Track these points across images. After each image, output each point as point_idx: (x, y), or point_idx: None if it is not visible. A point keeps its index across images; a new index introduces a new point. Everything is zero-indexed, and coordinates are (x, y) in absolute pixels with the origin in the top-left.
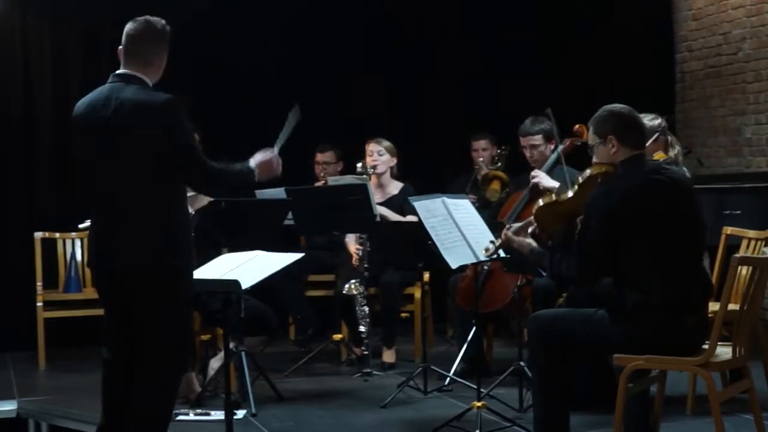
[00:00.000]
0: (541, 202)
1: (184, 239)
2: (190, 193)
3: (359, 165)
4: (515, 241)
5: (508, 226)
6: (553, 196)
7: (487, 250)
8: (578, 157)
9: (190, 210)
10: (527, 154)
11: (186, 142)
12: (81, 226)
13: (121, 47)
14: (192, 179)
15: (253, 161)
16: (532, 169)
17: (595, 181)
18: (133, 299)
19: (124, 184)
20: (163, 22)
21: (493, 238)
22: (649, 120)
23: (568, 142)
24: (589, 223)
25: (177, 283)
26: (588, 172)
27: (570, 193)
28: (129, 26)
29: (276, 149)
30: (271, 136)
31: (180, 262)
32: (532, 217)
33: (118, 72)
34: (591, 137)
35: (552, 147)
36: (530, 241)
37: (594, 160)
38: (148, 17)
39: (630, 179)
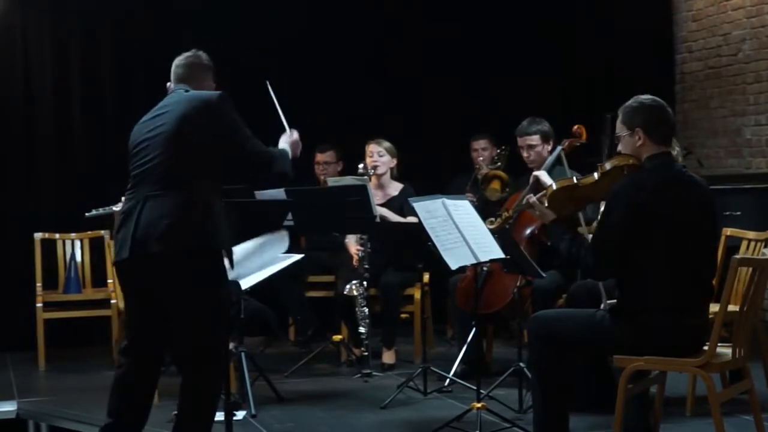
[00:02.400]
0: (555, 186)
1: (209, 220)
2: None
3: (361, 166)
4: (538, 208)
5: (528, 195)
6: (574, 179)
7: (491, 222)
8: (576, 158)
9: None
10: (524, 154)
11: (238, 128)
12: (88, 215)
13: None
14: (243, 163)
15: (285, 145)
16: (531, 170)
17: (621, 172)
18: (157, 283)
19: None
20: (206, 56)
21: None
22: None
23: (566, 143)
24: (611, 214)
25: (197, 263)
26: (613, 162)
27: (594, 176)
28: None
29: (293, 130)
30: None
31: (199, 242)
32: (545, 198)
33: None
34: (619, 126)
35: (549, 148)
36: (552, 211)
37: (619, 148)
38: (196, 50)
39: (658, 176)
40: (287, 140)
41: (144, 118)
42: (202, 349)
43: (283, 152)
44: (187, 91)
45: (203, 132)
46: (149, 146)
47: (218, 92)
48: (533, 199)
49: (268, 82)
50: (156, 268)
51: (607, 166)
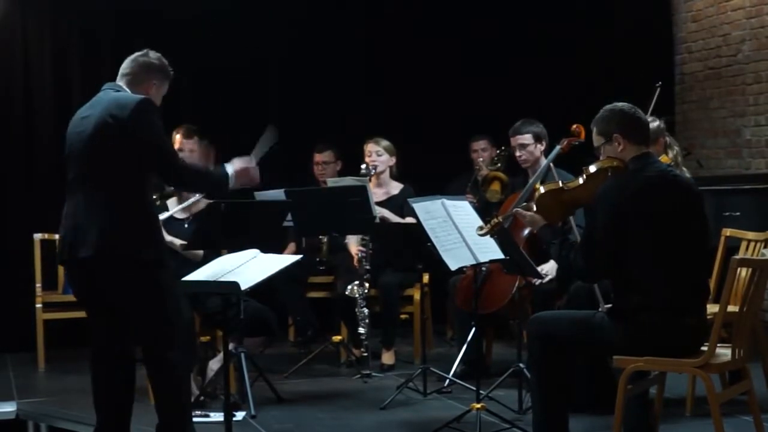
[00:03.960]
0: (542, 189)
1: (149, 228)
2: (192, 198)
3: (363, 166)
4: (527, 215)
5: (515, 207)
6: (560, 183)
7: (480, 228)
8: (575, 157)
9: (186, 214)
10: (517, 154)
11: (158, 140)
12: None
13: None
14: (166, 177)
15: (231, 168)
16: (525, 170)
17: (606, 175)
18: (106, 289)
19: (94, 174)
20: (159, 55)
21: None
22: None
23: (565, 142)
24: (597, 216)
25: (143, 271)
26: (597, 165)
27: (580, 181)
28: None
29: (253, 159)
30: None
31: (139, 249)
32: (533, 203)
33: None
34: (596, 138)
35: (543, 148)
36: (541, 217)
37: (600, 159)
38: (148, 50)
39: (642, 177)
40: (240, 164)
41: (76, 115)
42: (158, 339)
43: (220, 178)
44: (117, 90)
45: (121, 137)
46: (75, 152)
47: (140, 97)
48: (516, 209)
49: (273, 126)
50: (89, 273)
51: (592, 169)
